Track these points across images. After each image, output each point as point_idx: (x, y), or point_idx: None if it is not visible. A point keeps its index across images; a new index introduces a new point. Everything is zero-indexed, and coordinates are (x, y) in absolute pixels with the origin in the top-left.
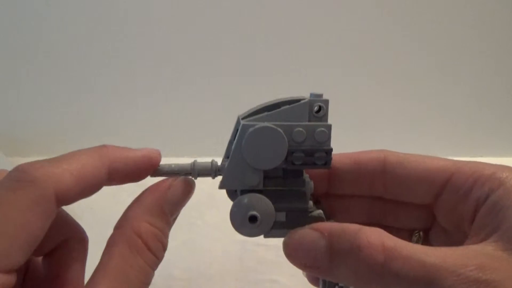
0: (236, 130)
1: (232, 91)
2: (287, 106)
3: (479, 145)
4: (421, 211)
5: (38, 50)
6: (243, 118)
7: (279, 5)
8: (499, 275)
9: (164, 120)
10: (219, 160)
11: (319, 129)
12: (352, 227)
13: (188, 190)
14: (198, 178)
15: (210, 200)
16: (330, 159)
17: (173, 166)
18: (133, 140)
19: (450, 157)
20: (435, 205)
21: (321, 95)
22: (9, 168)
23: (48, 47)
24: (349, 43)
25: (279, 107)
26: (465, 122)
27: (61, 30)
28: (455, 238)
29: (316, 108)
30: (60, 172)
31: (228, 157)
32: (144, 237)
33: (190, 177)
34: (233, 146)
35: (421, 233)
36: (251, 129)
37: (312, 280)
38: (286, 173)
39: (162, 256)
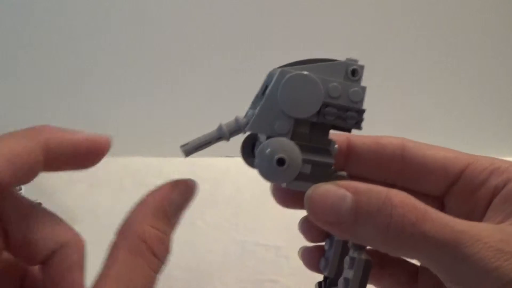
0: (265, 85)
1: (233, 91)
2: (324, 63)
3: (481, 145)
4: (430, 202)
5: (38, 50)
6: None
7: (279, 5)
8: None
9: (164, 120)
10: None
11: (353, 89)
12: (379, 188)
13: (190, 191)
14: (199, 179)
15: (210, 200)
16: (362, 119)
17: (201, 137)
18: (133, 140)
19: None
20: (447, 194)
21: (357, 60)
22: None
23: (48, 47)
24: (351, 42)
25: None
26: (467, 122)
27: (61, 29)
28: None
29: (351, 71)
30: None
31: (253, 109)
32: (148, 241)
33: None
34: (267, 91)
35: None
36: (288, 75)
37: (310, 265)
38: (313, 130)
39: (166, 260)
